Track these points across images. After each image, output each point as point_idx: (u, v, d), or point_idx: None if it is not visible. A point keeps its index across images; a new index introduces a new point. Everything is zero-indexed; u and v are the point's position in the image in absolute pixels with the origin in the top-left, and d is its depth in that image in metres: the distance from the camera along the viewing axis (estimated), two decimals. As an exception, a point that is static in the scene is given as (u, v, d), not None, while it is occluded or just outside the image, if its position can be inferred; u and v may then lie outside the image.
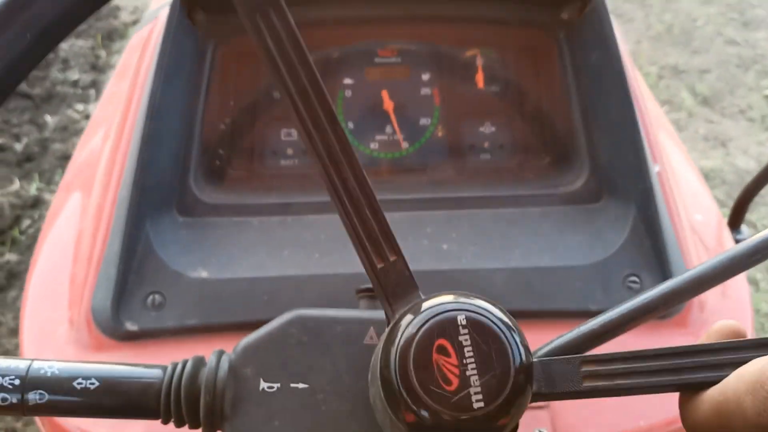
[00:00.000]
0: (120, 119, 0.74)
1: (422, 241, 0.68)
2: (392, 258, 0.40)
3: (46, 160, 1.98)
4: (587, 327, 0.48)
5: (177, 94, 0.67)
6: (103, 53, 2.45)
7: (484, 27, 0.76)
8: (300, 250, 0.67)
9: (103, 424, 0.58)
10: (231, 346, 0.49)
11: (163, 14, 0.68)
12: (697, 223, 0.77)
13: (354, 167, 0.39)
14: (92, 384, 0.45)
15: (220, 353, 0.49)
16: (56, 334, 0.65)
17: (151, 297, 0.62)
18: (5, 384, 0.43)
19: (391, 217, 0.69)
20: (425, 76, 0.77)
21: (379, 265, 0.40)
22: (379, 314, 0.51)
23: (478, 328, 0.38)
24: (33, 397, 0.44)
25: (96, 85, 2.30)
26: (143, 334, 0.62)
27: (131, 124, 0.69)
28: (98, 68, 2.38)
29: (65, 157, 1.96)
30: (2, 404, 0.43)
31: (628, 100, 0.67)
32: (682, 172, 0.83)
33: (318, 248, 0.67)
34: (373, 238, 0.40)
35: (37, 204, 1.90)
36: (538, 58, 0.76)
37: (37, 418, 0.65)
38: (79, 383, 0.44)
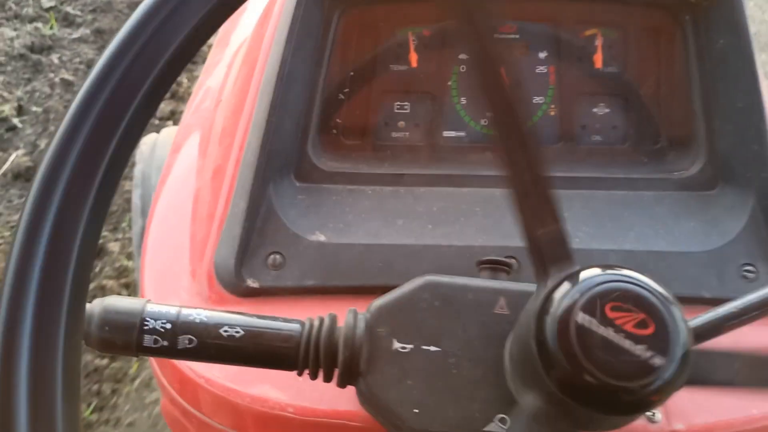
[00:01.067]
0: (242, 84, 0.76)
1: None
2: (553, 226, 0.41)
3: (114, 202, 2.01)
4: (725, 309, 0.48)
5: (303, 62, 0.69)
6: (184, 80, 2.38)
7: (606, 6, 0.75)
8: (413, 220, 0.68)
9: (226, 373, 0.61)
10: (346, 309, 0.51)
11: None
12: None
13: (531, 137, 0.40)
14: (237, 332, 0.47)
15: (356, 312, 0.51)
16: (178, 285, 0.68)
17: (272, 257, 0.65)
18: (158, 327, 0.46)
19: (502, 193, 0.69)
20: (542, 54, 0.76)
21: (539, 230, 0.41)
22: (510, 285, 0.52)
23: (643, 303, 0.38)
24: (183, 341, 0.46)
25: (174, 116, 2.24)
26: (263, 292, 0.64)
27: (255, 90, 0.71)
28: (178, 96, 2.33)
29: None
30: (154, 346, 0.46)
31: (756, 88, 0.66)
32: None
33: (431, 220, 0.68)
34: (537, 202, 0.41)
35: (100, 253, 1.82)
36: (660, 40, 0.75)
37: (154, 366, 0.69)
38: (225, 331, 0.47)
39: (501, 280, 0.56)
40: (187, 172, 0.82)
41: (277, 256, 0.65)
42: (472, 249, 0.65)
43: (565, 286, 0.40)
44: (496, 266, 0.57)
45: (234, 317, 0.47)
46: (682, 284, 0.65)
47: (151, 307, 0.45)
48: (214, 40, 1.20)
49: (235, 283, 0.64)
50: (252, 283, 0.64)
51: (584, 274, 0.40)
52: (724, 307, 0.47)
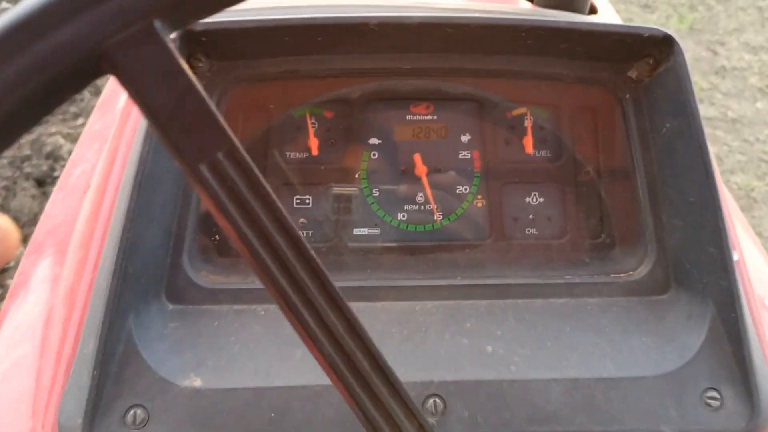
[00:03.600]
0: (101, 177, 0.62)
1: (462, 340, 0.57)
2: None
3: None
4: None
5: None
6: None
7: (535, 83, 0.64)
8: None
9: None
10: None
11: None
12: None
13: (370, 351, 0.30)
14: None
15: None
16: (13, 449, 0.53)
17: (132, 411, 0.51)
18: None
19: (424, 308, 0.56)
20: (464, 137, 0.66)
21: None
22: None
23: None
24: None
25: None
26: None
27: (114, 188, 0.57)
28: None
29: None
30: None
31: (710, 181, 0.56)
32: (750, 253, 0.72)
33: None
34: None
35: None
36: (598, 121, 0.65)
37: None
38: None
39: None
40: (42, 282, 0.67)
41: (139, 411, 0.51)
42: None
43: None
44: None
45: None
46: (637, 417, 0.54)
47: None
48: (98, 103, 1.05)
49: None
50: None
51: None
52: None
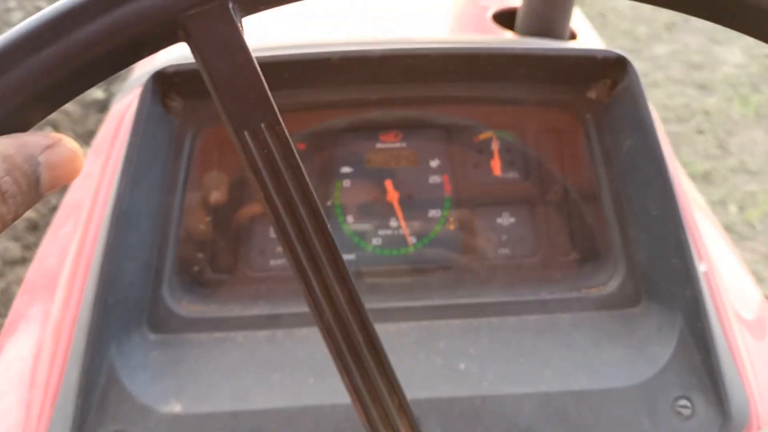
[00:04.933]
0: (84, 218, 0.64)
1: (435, 359, 0.58)
2: None
3: None
4: None
5: (149, 192, 0.58)
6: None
7: (499, 107, 0.67)
8: (292, 372, 0.57)
9: None
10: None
11: (137, 96, 0.59)
12: (745, 321, 0.68)
13: (366, 327, 0.31)
14: None
15: None
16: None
17: None
18: None
19: (398, 329, 0.57)
20: (434, 163, 0.68)
21: None
22: None
23: None
24: None
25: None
26: None
27: (96, 225, 0.60)
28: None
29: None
30: None
31: (670, 194, 0.58)
32: (724, 263, 0.73)
33: (313, 370, 0.57)
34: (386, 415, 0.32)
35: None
36: (561, 142, 0.67)
37: None
38: None
39: None
40: (33, 320, 0.69)
41: None
42: None
43: None
44: None
45: None
46: (610, 428, 0.55)
47: None
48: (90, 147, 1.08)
49: None
50: None
51: None
52: None
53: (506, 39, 0.92)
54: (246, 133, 0.29)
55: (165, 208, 0.60)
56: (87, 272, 0.58)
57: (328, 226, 0.30)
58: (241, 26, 0.28)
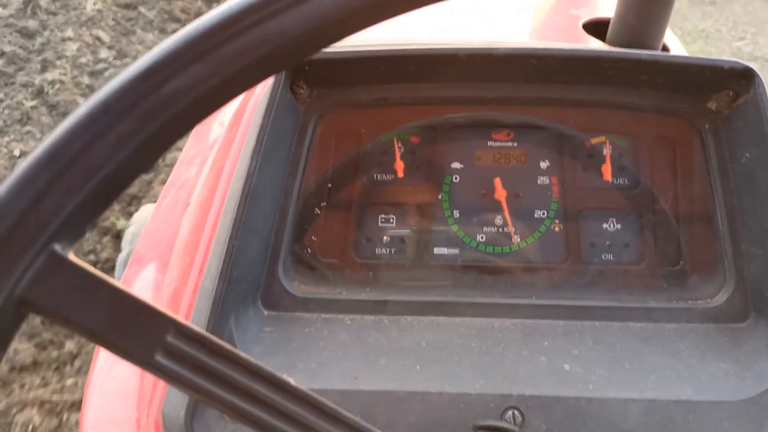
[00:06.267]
0: (206, 193, 0.67)
1: (540, 357, 0.59)
2: None
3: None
4: None
5: (274, 174, 0.61)
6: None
7: (615, 112, 0.67)
8: (398, 358, 0.58)
9: None
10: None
11: (261, 86, 0.62)
12: None
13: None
14: None
15: None
16: (120, 436, 0.58)
17: None
18: None
19: (502, 325, 0.58)
20: (543, 164, 0.68)
21: None
22: None
23: None
24: None
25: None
26: None
27: (220, 203, 0.63)
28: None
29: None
30: None
31: None
32: None
33: (419, 358, 0.58)
34: None
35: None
36: (677, 151, 0.67)
37: None
38: None
39: None
40: (145, 288, 0.73)
41: None
42: (468, 398, 0.55)
43: None
44: None
45: None
46: None
47: None
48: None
49: None
50: None
51: None
52: None
53: (608, 48, 0.92)
54: (158, 356, 0.25)
55: (286, 190, 0.62)
56: (209, 245, 0.61)
57: (286, 383, 0.27)
58: (79, 260, 0.24)
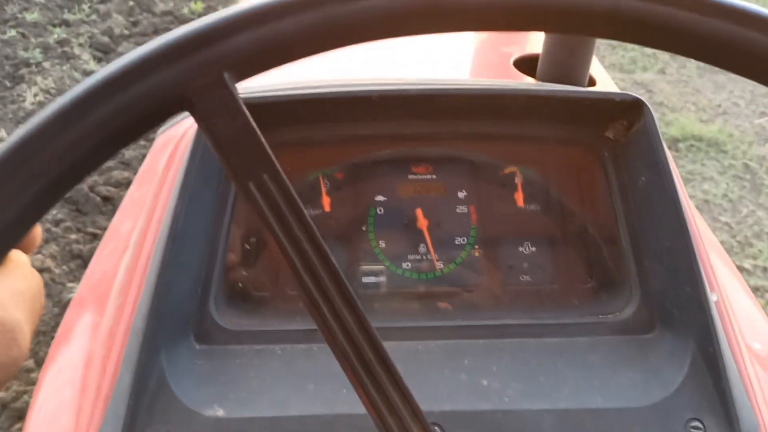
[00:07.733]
0: (139, 236, 0.70)
1: (459, 375, 0.62)
2: None
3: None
4: None
5: (203, 212, 0.64)
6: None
7: (523, 145, 0.72)
8: (327, 383, 0.61)
9: None
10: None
11: (190, 122, 0.65)
12: (756, 353, 0.71)
13: (375, 345, 0.35)
14: None
15: None
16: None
17: None
18: None
19: (426, 347, 0.62)
20: (461, 194, 0.73)
21: None
22: None
23: None
24: None
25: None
26: None
27: (151, 244, 0.65)
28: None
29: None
30: None
31: (683, 227, 0.62)
32: (735, 295, 0.77)
33: (346, 382, 0.61)
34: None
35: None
36: (581, 178, 0.72)
37: None
38: None
39: None
40: (84, 330, 0.75)
41: None
42: None
43: None
44: None
45: None
46: None
47: None
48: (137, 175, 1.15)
49: None
50: None
51: None
52: None
53: (530, 83, 0.98)
54: (250, 184, 0.32)
55: (215, 228, 0.65)
56: (141, 285, 0.63)
57: (332, 258, 0.33)
58: (236, 91, 0.32)
